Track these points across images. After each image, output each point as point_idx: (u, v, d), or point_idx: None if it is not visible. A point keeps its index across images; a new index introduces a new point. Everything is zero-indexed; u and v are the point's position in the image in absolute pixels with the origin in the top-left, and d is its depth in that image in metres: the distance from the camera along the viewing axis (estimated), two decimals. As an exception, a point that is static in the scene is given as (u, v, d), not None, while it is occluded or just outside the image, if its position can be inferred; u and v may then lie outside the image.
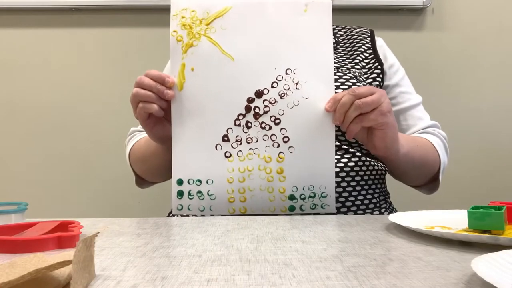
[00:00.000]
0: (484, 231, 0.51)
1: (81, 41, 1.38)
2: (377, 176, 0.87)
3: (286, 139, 0.74)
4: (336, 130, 0.83)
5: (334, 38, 0.96)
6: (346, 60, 0.93)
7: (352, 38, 0.98)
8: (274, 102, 0.74)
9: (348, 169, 0.81)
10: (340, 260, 0.43)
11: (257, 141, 0.74)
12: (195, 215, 0.82)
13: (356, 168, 0.82)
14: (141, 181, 0.97)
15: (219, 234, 0.56)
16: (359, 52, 0.95)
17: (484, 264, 0.36)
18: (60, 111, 1.37)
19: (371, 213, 0.83)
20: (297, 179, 0.74)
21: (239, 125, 0.74)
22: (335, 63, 0.92)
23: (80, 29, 1.38)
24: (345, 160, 0.82)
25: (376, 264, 0.41)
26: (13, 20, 1.37)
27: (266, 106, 0.74)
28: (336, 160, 0.81)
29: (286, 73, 0.75)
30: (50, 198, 1.36)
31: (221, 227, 0.61)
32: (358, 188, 0.82)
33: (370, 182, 0.84)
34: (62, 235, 0.51)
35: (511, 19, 1.41)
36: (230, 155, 0.74)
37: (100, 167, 1.36)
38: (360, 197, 0.82)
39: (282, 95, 0.74)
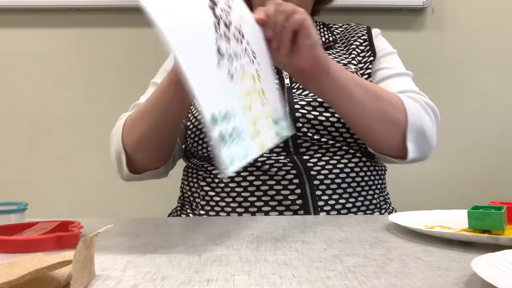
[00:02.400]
0: (484, 231, 0.51)
1: (81, 41, 1.38)
2: (377, 177, 0.86)
3: (254, 55, 0.62)
4: (338, 135, 0.82)
5: (331, 36, 0.96)
6: (343, 56, 0.92)
7: (348, 34, 0.97)
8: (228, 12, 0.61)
9: (348, 170, 0.81)
10: (340, 260, 0.43)
11: (240, 57, 0.59)
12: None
13: (357, 169, 0.82)
14: (132, 166, 0.84)
15: (219, 234, 0.56)
16: (354, 46, 0.94)
17: (484, 264, 0.36)
18: (60, 111, 1.37)
19: (371, 214, 0.83)
20: (271, 100, 0.63)
21: (221, 35, 0.57)
22: (332, 59, 0.90)
23: (80, 29, 1.38)
24: (345, 161, 0.81)
25: (376, 264, 0.41)
26: (13, 20, 1.37)
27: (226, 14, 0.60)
28: (336, 161, 0.81)
29: None
30: (50, 198, 1.36)
31: (221, 227, 0.61)
32: (358, 189, 0.82)
33: (370, 183, 0.84)
34: (62, 235, 0.51)
35: (511, 19, 1.41)
36: (232, 75, 0.56)
37: (100, 167, 1.36)
38: (361, 198, 0.82)
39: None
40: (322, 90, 0.72)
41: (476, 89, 1.40)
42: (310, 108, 0.81)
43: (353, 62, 0.91)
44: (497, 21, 1.41)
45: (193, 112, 0.87)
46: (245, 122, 0.55)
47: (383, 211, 0.86)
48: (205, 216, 0.80)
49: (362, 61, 0.92)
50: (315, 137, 0.81)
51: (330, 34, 0.96)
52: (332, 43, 0.94)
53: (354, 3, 1.36)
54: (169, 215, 0.93)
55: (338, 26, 1.01)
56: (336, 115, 0.81)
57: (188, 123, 0.87)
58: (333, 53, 0.93)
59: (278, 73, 0.88)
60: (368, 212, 0.82)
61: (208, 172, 0.83)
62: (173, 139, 0.84)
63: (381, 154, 0.82)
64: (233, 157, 0.51)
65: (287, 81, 0.87)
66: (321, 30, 0.97)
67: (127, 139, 0.82)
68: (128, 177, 0.85)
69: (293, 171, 0.78)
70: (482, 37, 1.40)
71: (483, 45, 1.40)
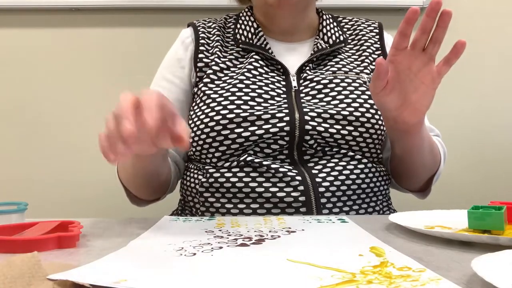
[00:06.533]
0: (484, 231, 0.51)
1: (81, 41, 1.38)
2: (382, 182, 0.84)
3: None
4: (339, 138, 0.79)
5: (342, 35, 0.91)
6: (355, 63, 0.89)
7: (360, 34, 0.93)
8: None
9: (354, 176, 0.79)
10: (340, 260, 0.42)
11: None
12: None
13: (362, 176, 0.80)
14: (136, 199, 0.88)
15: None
16: (367, 54, 0.90)
17: (484, 264, 0.36)
18: (60, 111, 1.37)
19: None
20: None
21: None
22: (344, 65, 0.87)
23: (80, 29, 1.37)
24: (351, 167, 0.79)
25: (376, 264, 0.41)
26: (13, 20, 1.37)
27: None
28: (341, 168, 0.79)
29: None
30: (50, 198, 1.36)
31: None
32: (363, 196, 0.80)
33: (376, 189, 0.82)
34: (62, 235, 0.51)
35: (510, 19, 1.41)
36: None
37: (100, 167, 1.35)
38: (364, 205, 0.80)
39: None
40: (406, 143, 0.79)
41: (475, 89, 1.40)
42: (321, 120, 0.79)
43: (366, 71, 0.88)
44: (497, 22, 1.41)
45: (198, 115, 0.82)
46: None
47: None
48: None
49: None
50: (320, 147, 0.80)
51: (340, 32, 0.92)
52: (342, 44, 0.90)
53: (354, 3, 1.36)
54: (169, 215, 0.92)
55: (347, 20, 0.97)
56: (347, 127, 0.79)
57: (190, 131, 0.83)
58: (344, 58, 0.89)
59: (284, 74, 0.85)
60: None
61: (207, 176, 0.79)
62: (162, 178, 0.85)
63: (402, 187, 0.92)
64: None
65: (294, 83, 0.84)
66: (331, 26, 0.92)
67: (120, 176, 0.86)
68: (134, 204, 0.90)
69: (298, 178, 0.76)
70: (482, 38, 1.40)
71: (483, 46, 1.40)
